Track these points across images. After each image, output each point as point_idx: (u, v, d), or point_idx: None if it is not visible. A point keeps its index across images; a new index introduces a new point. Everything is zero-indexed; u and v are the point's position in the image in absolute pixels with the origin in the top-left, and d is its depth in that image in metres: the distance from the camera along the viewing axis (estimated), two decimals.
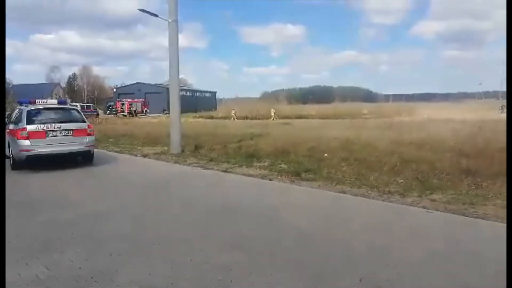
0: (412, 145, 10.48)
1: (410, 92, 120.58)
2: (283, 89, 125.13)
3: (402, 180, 6.67)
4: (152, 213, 5.07)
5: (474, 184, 6.18)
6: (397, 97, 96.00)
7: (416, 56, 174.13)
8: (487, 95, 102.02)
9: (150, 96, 56.00)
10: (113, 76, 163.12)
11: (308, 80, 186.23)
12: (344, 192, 6.08)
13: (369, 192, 6.04)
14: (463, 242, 3.93)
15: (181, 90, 59.98)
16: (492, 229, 4.28)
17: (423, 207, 5.16)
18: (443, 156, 8.58)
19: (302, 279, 3.09)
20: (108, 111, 51.41)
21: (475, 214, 4.80)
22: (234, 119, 37.64)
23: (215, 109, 63.02)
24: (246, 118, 38.79)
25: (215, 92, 77.49)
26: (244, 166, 8.60)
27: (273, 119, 35.56)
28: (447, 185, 6.21)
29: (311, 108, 50.42)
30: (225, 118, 40.17)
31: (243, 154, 10.18)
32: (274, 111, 38.90)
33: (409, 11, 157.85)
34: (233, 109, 40.77)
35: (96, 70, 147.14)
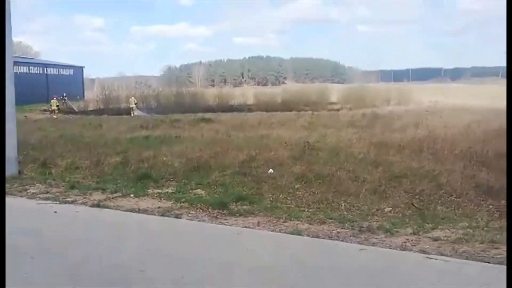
0: (405, 151, 11.03)
1: (403, 67, 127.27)
2: (200, 62, 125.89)
3: (389, 208, 6.98)
4: None
5: (498, 211, 6.65)
6: (384, 75, 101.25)
7: (411, 12, 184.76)
8: None
9: None
10: None
11: (242, 47, 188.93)
12: (299, 233, 6.19)
13: (338, 229, 6.22)
14: None
15: (20, 63, 57.42)
16: None
17: (421, 251, 5.43)
18: (452, 167, 9.14)
19: None
20: None
21: (499, 259, 5.15)
22: (53, 112, 38.23)
23: (82, 95, 61.32)
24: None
25: (82, 68, 75.49)
26: (131, 196, 8.42)
27: (132, 114, 37.64)
28: (458, 214, 6.62)
29: (248, 94, 51.16)
30: (101, 112, 39.41)
31: (130, 174, 9.99)
32: (135, 101, 41.84)
33: None
34: (53, 99, 41.56)
35: None
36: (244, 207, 7.41)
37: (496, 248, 5.40)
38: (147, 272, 5.03)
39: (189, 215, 7.23)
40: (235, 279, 4.82)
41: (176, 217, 7.15)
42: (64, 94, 48.74)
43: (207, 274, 4.99)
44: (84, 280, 4.83)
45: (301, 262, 5.31)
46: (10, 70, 11.03)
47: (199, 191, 8.54)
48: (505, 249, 5.35)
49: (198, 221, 6.95)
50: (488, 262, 5.07)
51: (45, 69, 65.54)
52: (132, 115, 37.22)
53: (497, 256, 5.20)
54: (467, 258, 5.19)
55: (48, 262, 5.39)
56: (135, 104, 40.57)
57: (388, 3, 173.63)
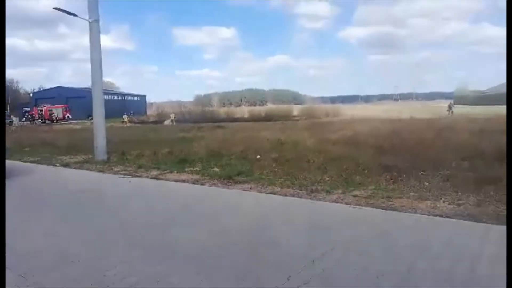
0: (338, 144, 11.05)
1: (335, 94, 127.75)
2: (216, 92, 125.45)
3: (328, 178, 6.98)
4: (69, 231, 4.66)
5: (392, 179, 6.68)
6: (324, 99, 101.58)
7: (341, 61, 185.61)
8: (402, 96, 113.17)
9: (73, 101, 52.21)
10: (29, 79, 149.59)
11: (241, 83, 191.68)
12: (274, 193, 6.19)
13: (298, 191, 6.22)
14: (381, 234, 4.21)
15: (108, 94, 57.30)
16: (409, 219, 4.66)
17: (346, 203, 5.46)
18: (365, 153, 9.17)
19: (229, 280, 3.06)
20: (24, 118, 46.90)
21: (392, 206, 5.19)
22: (125, 122, 37.66)
23: (145, 113, 61.04)
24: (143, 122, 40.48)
25: (145, 96, 74.91)
26: (175, 172, 8.34)
27: (171, 122, 37.25)
28: (368, 181, 6.64)
29: (245, 111, 51.02)
30: (155, 122, 39.12)
31: (174, 159, 9.89)
32: (174, 115, 41.31)
33: (335, 18, 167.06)
34: (125, 114, 41.46)
35: (9, 73, 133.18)
36: (243, 178, 7.36)
37: (390, 201, 5.42)
38: (179, 217, 5.03)
39: (209, 183, 7.19)
40: (236, 215, 4.84)
41: (202, 184, 7.12)
42: (131, 112, 48.44)
43: (221, 212, 5.06)
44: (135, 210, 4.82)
45: (275, 208, 5.38)
46: (101, 98, 11.02)
47: (215, 169, 8.47)
48: (399, 201, 5.40)
49: (216, 186, 6.92)
50: (386, 210, 5.09)
51: (123, 97, 65.24)
52: (173, 124, 36.99)
53: (391, 206, 5.23)
54: (373, 207, 5.22)
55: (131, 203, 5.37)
56: (174, 117, 40.59)
57: (325, 57, 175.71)
